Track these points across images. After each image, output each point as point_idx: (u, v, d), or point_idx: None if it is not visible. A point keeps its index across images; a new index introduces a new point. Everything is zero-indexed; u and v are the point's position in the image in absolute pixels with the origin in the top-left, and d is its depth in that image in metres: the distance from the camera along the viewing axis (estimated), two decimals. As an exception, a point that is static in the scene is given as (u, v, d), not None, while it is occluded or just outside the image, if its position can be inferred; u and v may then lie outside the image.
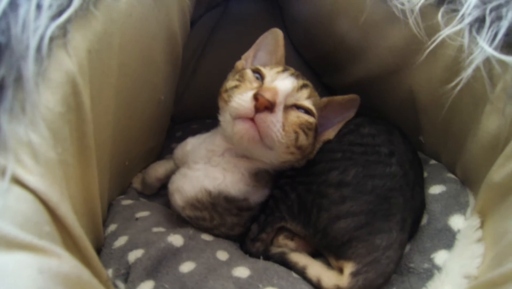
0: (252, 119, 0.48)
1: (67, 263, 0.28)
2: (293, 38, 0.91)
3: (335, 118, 0.61)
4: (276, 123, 0.48)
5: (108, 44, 0.43)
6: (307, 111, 0.54)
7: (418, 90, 0.60)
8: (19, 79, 0.30)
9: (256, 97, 0.47)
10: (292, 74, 0.55)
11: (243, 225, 0.59)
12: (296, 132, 0.52)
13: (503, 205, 0.44)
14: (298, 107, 0.54)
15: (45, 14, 0.32)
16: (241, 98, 0.49)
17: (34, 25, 0.31)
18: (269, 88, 0.49)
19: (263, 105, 0.47)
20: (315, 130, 0.56)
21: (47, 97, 0.32)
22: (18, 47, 0.30)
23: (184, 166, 0.60)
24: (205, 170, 0.57)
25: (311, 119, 0.54)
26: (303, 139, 0.53)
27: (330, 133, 0.59)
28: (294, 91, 0.53)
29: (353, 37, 0.68)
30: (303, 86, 0.55)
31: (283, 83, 0.52)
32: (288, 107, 0.52)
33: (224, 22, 0.94)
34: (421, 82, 0.59)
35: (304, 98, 0.55)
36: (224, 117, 0.54)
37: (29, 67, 0.30)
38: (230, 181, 0.55)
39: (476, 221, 0.48)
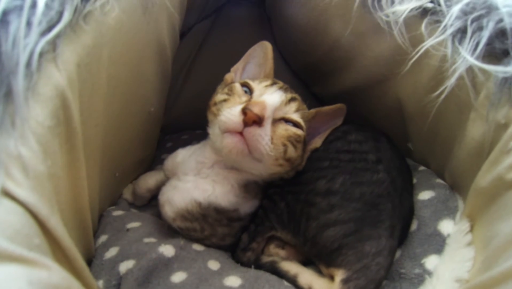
0: (240, 133, 0.49)
1: (57, 274, 0.28)
2: (281, 48, 0.92)
3: (323, 127, 0.62)
4: (264, 137, 0.49)
5: (97, 57, 0.44)
6: (295, 124, 0.55)
7: (404, 99, 0.61)
8: (9, 94, 0.30)
9: (244, 111, 0.48)
10: (280, 88, 0.56)
11: (234, 235, 0.59)
12: (284, 145, 0.52)
13: (491, 209, 0.45)
14: (286, 120, 0.54)
15: (35, 30, 0.32)
16: (229, 113, 0.50)
17: (24, 42, 0.31)
18: (257, 102, 0.50)
19: (252, 120, 0.48)
20: (304, 142, 0.56)
21: (36, 111, 0.33)
22: (8, 63, 0.30)
23: (174, 178, 0.60)
24: (195, 181, 0.57)
25: (299, 132, 0.54)
26: (291, 152, 0.53)
27: (317, 142, 0.60)
28: (282, 105, 0.54)
29: (339, 48, 0.69)
30: (291, 99, 0.56)
31: (271, 97, 0.52)
32: (276, 121, 0.53)
33: (213, 34, 0.94)
34: (407, 91, 0.60)
35: (293, 112, 0.55)
36: (213, 130, 0.55)
37: (19, 83, 0.30)
38: (220, 193, 0.56)
39: (465, 225, 0.49)
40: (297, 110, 0.56)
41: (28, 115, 0.31)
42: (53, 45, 0.35)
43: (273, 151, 0.51)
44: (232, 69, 0.64)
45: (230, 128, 0.49)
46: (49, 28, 0.34)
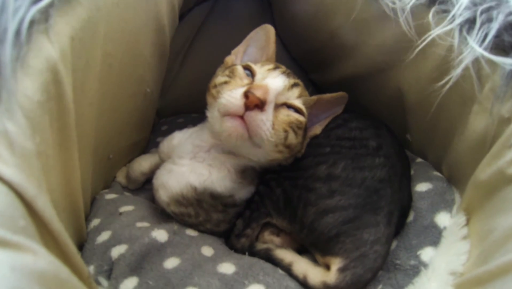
0: (241, 117, 0.47)
1: (43, 259, 0.26)
2: (281, 34, 0.91)
3: (323, 114, 0.61)
4: (266, 122, 0.48)
5: (92, 32, 0.42)
6: (297, 110, 0.54)
7: (406, 88, 0.60)
8: (-5, 64, 0.28)
9: (246, 94, 0.46)
10: (283, 72, 0.55)
11: (229, 221, 0.58)
12: (285, 131, 0.51)
13: (489, 203, 0.45)
14: (288, 106, 0.53)
15: (26, -4, 0.30)
16: (230, 95, 0.48)
17: (13, 7, 0.29)
18: (260, 86, 0.48)
19: (254, 103, 0.46)
20: (305, 129, 0.55)
21: (25, 84, 0.31)
22: (-5, 29, 0.28)
23: (169, 161, 0.59)
24: (190, 165, 0.56)
25: (301, 118, 0.53)
26: (292, 138, 0.52)
27: (317, 129, 0.59)
28: (285, 90, 0.53)
29: (343, 34, 0.68)
30: (294, 85, 0.54)
31: (274, 82, 0.51)
32: (278, 106, 0.52)
33: (213, 17, 0.92)
34: (410, 80, 0.59)
35: (295, 97, 0.54)
36: (212, 114, 0.53)
37: (7, 52, 0.28)
38: (216, 178, 0.55)
39: (461, 219, 0.49)
40: (300, 96, 0.55)
41: (16, 88, 0.29)
42: (45, 15, 0.33)
43: (273, 137, 0.49)
44: (233, 51, 0.63)
45: (231, 111, 0.48)
46: (41, -4, 0.32)
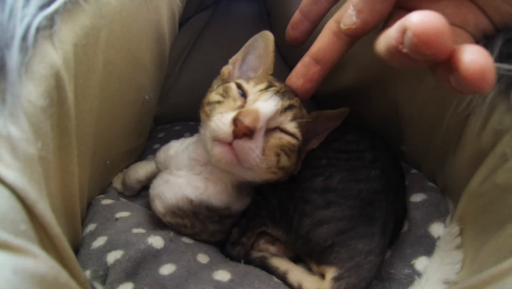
0: (230, 144, 0.46)
1: (44, 263, 0.27)
2: (278, 43, 0.91)
3: (321, 128, 0.60)
4: (255, 150, 0.46)
5: (95, 39, 0.42)
6: (291, 134, 0.52)
7: (402, 100, 0.61)
8: (1, 68, 0.29)
9: (235, 122, 0.45)
10: (277, 92, 0.51)
11: (225, 232, 0.58)
12: (277, 154, 0.49)
13: (482, 213, 0.45)
14: (281, 129, 0.51)
15: (34, 2, 0.31)
16: (220, 120, 0.46)
17: (21, 13, 0.30)
18: (249, 112, 0.46)
19: (242, 132, 0.44)
20: (299, 150, 0.53)
21: (29, 89, 0.31)
22: (4, 35, 0.29)
23: (166, 171, 0.58)
24: (187, 177, 0.55)
25: (293, 141, 0.51)
26: (284, 161, 0.50)
27: (314, 143, 0.58)
28: (277, 114, 0.49)
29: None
30: (288, 107, 0.51)
31: (265, 106, 0.48)
32: (270, 130, 0.50)
33: (212, 25, 0.93)
34: (406, 92, 0.60)
35: (288, 121, 0.51)
36: (205, 132, 0.51)
37: (14, 57, 0.29)
38: (212, 192, 0.54)
39: (455, 229, 0.49)
40: (294, 118, 0.51)
41: (20, 93, 0.30)
42: (50, 21, 0.33)
43: (263, 163, 0.48)
44: (231, 61, 0.61)
45: (220, 138, 0.46)
46: (48, 3, 0.32)
